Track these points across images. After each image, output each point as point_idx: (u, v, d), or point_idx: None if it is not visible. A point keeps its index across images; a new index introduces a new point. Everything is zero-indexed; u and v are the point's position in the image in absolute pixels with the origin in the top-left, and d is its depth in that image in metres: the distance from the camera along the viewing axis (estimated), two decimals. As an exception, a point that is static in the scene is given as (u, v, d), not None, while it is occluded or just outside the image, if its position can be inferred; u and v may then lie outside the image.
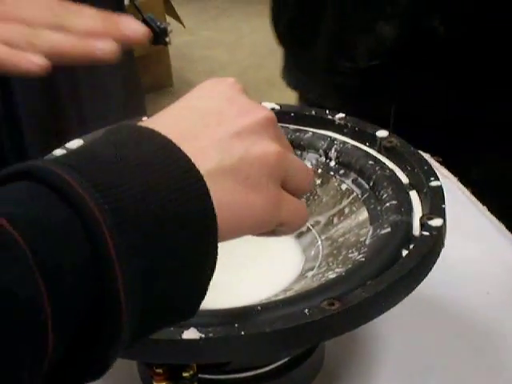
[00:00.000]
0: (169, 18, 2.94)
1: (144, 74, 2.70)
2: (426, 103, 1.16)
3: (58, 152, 0.80)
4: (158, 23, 2.47)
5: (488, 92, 1.14)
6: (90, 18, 0.65)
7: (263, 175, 0.50)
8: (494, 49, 1.12)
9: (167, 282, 0.44)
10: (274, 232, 0.54)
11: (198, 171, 0.45)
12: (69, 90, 1.89)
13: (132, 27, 0.66)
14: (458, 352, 0.79)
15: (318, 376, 0.76)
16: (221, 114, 0.51)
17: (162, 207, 0.43)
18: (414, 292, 0.66)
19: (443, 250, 0.69)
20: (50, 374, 0.39)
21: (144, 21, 2.44)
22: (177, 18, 3.01)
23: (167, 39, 2.67)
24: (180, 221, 0.43)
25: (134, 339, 0.44)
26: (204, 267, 0.46)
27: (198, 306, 0.47)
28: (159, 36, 2.57)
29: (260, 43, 3.24)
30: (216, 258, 0.47)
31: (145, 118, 0.74)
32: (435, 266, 0.67)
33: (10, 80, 1.70)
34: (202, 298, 0.47)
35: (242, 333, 0.59)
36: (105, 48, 0.64)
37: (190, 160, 0.45)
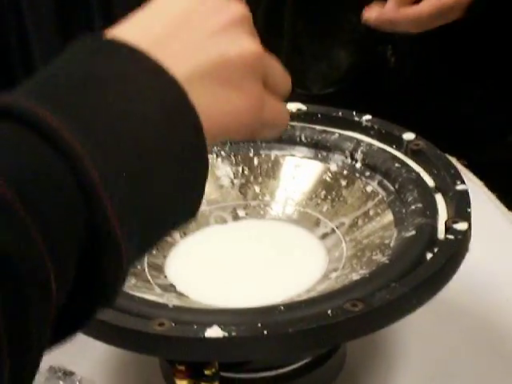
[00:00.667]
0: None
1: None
2: None
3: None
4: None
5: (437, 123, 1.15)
6: None
7: (242, 76, 0.48)
8: (441, 84, 1.13)
9: (159, 191, 0.43)
10: (255, 135, 0.52)
11: (172, 77, 0.43)
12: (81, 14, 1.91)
13: None
14: (479, 357, 0.79)
15: (339, 377, 0.76)
16: (192, 16, 0.48)
17: (142, 122, 0.42)
18: (437, 296, 0.66)
19: (467, 255, 0.69)
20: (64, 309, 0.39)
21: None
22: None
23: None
24: (163, 129, 0.42)
25: (143, 251, 0.44)
26: (195, 172, 0.45)
27: (198, 207, 0.46)
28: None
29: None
30: (207, 157, 0.45)
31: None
32: (459, 270, 0.67)
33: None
34: (200, 198, 0.46)
35: (265, 332, 0.59)
36: None
37: (161, 67, 0.43)
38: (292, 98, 1.15)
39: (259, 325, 0.60)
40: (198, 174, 0.45)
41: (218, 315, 0.62)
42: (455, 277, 0.67)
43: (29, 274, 0.36)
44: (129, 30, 0.46)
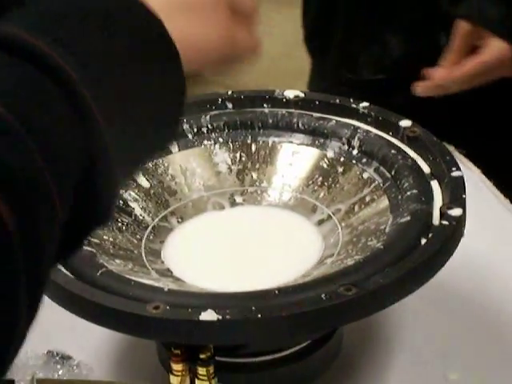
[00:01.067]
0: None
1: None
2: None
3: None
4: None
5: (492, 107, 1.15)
6: None
7: (210, 4, 0.53)
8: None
9: (142, 107, 0.46)
10: (230, 64, 0.57)
11: (149, 8, 0.46)
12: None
13: None
14: (475, 341, 0.80)
15: (336, 362, 0.77)
16: None
17: (126, 50, 0.45)
18: (433, 281, 0.66)
19: (464, 241, 0.70)
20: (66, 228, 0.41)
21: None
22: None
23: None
24: (145, 57, 0.46)
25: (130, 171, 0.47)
26: (174, 92, 0.48)
27: (179, 115, 0.49)
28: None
29: (290, 33, 3.24)
30: (184, 81, 0.48)
31: None
32: (455, 256, 0.68)
33: None
34: (179, 109, 0.49)
35: (259, 316, 0.60)
36: None
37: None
38: (342, 82, 1.18)
39: (253, 308, 0.60)
40: (176, 83, 0.48)
41: (212, 299, 0.63)
42: (452, 263, 0.68)
43: (32, 188, 0.37)
44: None
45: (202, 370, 0.67)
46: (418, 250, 0.65)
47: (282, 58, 3.11)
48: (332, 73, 1.23)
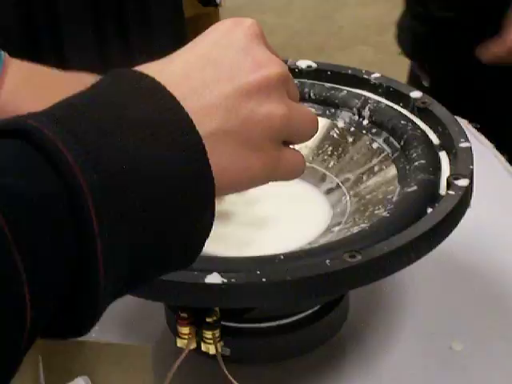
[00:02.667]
0: (221, -20, 2.94)
1: (194, 35, 2.70)
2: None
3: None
4: (210, -15, 2.48)
5: None
6: None
7: (265, 138, 0.49)
8: None
9: (156, 245, 0.43)
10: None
11: (197, 133, 0.44)
12: (118, 44, 1.91)
13: None
14: (480, 312, 0.80)
15: (341, 330, 0.77)
16: (234, 68, 0.49)
17: (156, 175, 0.42)
18: (440, 252, 0.66)
19: (474, 214, 0.70)
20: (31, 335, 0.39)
21: (196, -18, 2.46)
22: (229, -20, 3.01)
23: (218, 1, 2.68)
24: (175, 187, 0.43)
25: (128, 288, 0.44)
26: (198, 227, 0.45)
27: (193, 261, 0.47)
28: (210, -3, 2.59)
29: (310, 8, 3.23)
30: (213, 216, 0.46)
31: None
32: (464, 228, 0.68)
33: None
34: (198, 253, 0.47)
35: (264, 280, 0.60)
36: None
37: (191, 121, 0.44)
38: (413, 16, 1.19)
39: (258, 272, 0.61)
40: (202, 223, 0.45)
41: (218, 263, 0.63)
42: (461, 235, 0.68)
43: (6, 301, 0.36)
44: (170, 71, 0.47)
45: (208, 334, 0.67)
46: (423, 219, 0.65)
47: (303, 33, 3.10)
48: (407, 7, 1.27)
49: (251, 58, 0.50)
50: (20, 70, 0.62)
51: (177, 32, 2.09)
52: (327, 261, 0.61)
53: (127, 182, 0.41)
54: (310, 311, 0.74)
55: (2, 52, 0.61)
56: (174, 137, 0.43)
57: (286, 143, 0.52)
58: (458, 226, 0.67)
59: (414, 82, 1.33)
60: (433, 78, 1.29)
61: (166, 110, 0.44)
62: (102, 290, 0.40)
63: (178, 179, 0.43)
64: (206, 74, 0.48)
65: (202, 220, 0.45)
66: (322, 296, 0.69)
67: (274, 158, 0.50)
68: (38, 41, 1.75)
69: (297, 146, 0.54)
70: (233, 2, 3.22)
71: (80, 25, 1.88)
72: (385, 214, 0.69)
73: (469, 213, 0.69)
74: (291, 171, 0.53)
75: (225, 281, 0.60)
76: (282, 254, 0.63)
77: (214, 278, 0.60)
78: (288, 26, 3.16)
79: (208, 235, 0.47)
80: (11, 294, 0.36)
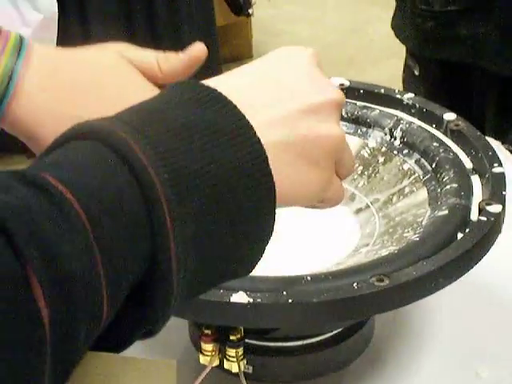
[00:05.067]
0: (254, -9, 2.94)
1: (224, 44, 2.71)
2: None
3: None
4: (242, -6, 2.48)
5: None
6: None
7: (323, 155, 0.51)
8: None
9: (220, 246, 0.45)
10: (311, 206, 0.56)
11: (261, 145, 0.46)
12: (148, 44, 1.92)
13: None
14: (507, 338, 0.79)
15: (365, 352, 0.77)
16: (295, 89, 0.51)
17: (222, 178, 0.44)
18: (468, 276, 0.66)
19: (504, 240, 0.69)
20: (103, 333, 0.41)
21: (228, -8, 2.46)
22: (262, -10, 3.01)
23: (250, 11, 2.68)
24: (239, 191, 0.45)
25: (187, 298, 0.45)
26: (260, 234, 0.47)
27: (252, 269, 0.49)
28: (242, 7, 2.59)
29: (343, 20, 3.23)
30: (273, 224, 0.48)
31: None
32: (492, 252, 0.67)
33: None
34: (257, 261, 0.48)
35: (290, 301, 0.60)
36: None
37: (255, 133, 0.46)
38: (417, 14, 1.21)
39: (284, 293, 0.60)
40: (263, 231, 0.47)
41: (244, 282, 0.63)
42: (488, 258, 0.67)
43: (84, 298, 0.38)
44: (235, 88, 0.49)
45: (231, 352, 0.67)
46: (453, 244, 0.65)
47: (335, 46, 3.10)
48: (410, 6, 1.27)
49: (312, 82, 0.52)
50: (44, 66, 0.60)
51: (207, 40, 2.10)
52: (354, 284, 0.61)
53: (194, 180, 0.43)
54: (334, 332, 0.73)
55: (26, 40, 0.59)
56: (237, 143, 0.45)
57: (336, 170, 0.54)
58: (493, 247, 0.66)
59: (408, 71, 1.36)
60: (422, 67, 1.31)
61: (229, 117, 0.46)
62: (175, 277, 0.42)
63: (242, 183, 0.45)
64: (269, 94, 0.50)
65: (264, 225, 0.47)
66: (347, 319, 0.68)
67: (328, 178, 0.52)
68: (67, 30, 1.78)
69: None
70: (265, 13, 3.22)
71: (110, 24, 1.90)
72: (414, 237, 0.68)
73: (500, 236, 0.68)
74: (336, 197, 0.55)
75: (250, 300, 0.60)
76: (309, 275, 0.63)
77: (239, 297, 0.60)
78: (320, 38, 3.16)
79: (268, 241, 0.48)
80: (90, 290, 0.38)
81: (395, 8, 1.36)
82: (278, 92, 0.51)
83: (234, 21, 2.90)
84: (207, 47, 0.65)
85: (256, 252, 0.48)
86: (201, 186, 0.43)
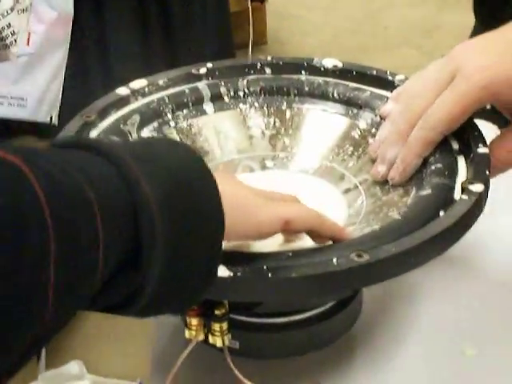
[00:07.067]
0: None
1: (239, 30, 2.71)
2: None
3: (122, 90, 0.83)
4: (257, -20, 2.49)
5: None
6: None
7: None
8: None
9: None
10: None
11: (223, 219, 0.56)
12: (162, 39, 1.93)
13: None
14: (493, 317, 0.80)
15: (351, 330, 0.78)
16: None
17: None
18: (455, 255, 0.66)
19: (494, 219, 0.70)
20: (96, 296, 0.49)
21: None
22: (276, -24, 3.01)
23: (264, -4, 2.68)
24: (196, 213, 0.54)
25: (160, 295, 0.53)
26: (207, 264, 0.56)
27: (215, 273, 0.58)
28: (256, -7, 2.59)
29: (357, 8, 3.23)
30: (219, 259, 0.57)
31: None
32: (482, 232, 0.68)
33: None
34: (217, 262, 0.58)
35: (269, 275, 0.61)
36: None
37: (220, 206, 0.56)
38: None
39: (265, 267, 0.61)
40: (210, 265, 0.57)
41: (226, 256, 0.64)
42: (477, 239, 0.68)
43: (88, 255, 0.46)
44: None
45: (216, 326, 0.68)
46: (434, 222, 0.65)
47: (347, 32, 3.10)
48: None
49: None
50: None
51: (220, 26, 2.11)
52: (334, 259, 0.62)
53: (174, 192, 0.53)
54: (321, 309, 0.74)
55: None
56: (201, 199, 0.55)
57: None
58: (481, 230, 0.67)
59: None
60: None
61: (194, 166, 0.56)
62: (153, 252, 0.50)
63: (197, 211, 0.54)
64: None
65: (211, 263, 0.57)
66: (327, 294, 0.69)
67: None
68: (82, 29, 1.78)
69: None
70: (279, -1, 3.22)
71: (125, 21, 1.91)
72: (397, 216, 0.69)
73: (490, 218, 0.69)
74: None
75: (231, 274, 0.61)
76: (291, 251, 0.64)
77: (221, 271, 0.61)
78: (333, 25, 3.16)
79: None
80: (92, 250, 0.46)
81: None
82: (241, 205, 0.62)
83: (248, 6, 2.91)
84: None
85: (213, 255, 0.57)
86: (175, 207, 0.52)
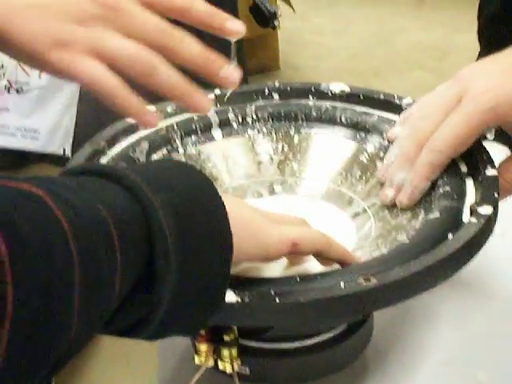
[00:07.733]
0: (280, 3, 2.96)
1: (251, 57, 2.73)
2: None
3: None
4: (268, 6, 2.49)
5: None
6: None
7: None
8: None
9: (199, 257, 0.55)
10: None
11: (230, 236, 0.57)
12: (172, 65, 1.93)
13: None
14: (506, 341, 0.79)
15: (362, 356, 0.77)
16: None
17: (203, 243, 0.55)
18: (466, 279, 0.66)
19: (504, 241, 0.69)
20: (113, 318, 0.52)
21: (254, 4, 2.47)
22: (288, 2, 3.03)
23: (276, 23, 2.69)
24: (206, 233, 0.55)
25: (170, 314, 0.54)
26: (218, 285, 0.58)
27: (225, 292, 0.59)
28: (268, 19, 2.60)
29: (370, 32, 3.23)
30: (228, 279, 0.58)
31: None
32: (496, 256, 0.67)
33: None
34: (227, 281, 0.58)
35: (277, 300, 0.61)
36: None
37: (229, 232, 0.57)
38: None
39: (272, 292, 0.61)
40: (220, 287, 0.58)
41: (234, 281, 0.64)
42: (491, 265, 0.67)
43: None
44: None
45: (225, 352, 0.68)
46: (442, 245, 0.65)
47: (359, 56, 3.10)
48: None
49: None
50: None
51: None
52: (341, 284, 0.61)
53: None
54: (331, 333, 0.74)
55: None
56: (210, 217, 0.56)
57: None
58: (491, 252, 0.66)
59: None
60: None
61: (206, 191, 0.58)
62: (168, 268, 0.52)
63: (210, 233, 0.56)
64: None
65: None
66: (335, 319, 0.69)
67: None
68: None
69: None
70: (291, 24, 3.24)
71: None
72: (405, 239, 0.69)
73: (500, 239, 0.68)
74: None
75: (239, 300, 0.61)
76: (299, 276, 0.64)
77: (228, 297, 0.61)
78: (345, 49, 3.17)
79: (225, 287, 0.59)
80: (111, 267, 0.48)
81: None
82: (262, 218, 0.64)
83: (261, 33, 2.92)
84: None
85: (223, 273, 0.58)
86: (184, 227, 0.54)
